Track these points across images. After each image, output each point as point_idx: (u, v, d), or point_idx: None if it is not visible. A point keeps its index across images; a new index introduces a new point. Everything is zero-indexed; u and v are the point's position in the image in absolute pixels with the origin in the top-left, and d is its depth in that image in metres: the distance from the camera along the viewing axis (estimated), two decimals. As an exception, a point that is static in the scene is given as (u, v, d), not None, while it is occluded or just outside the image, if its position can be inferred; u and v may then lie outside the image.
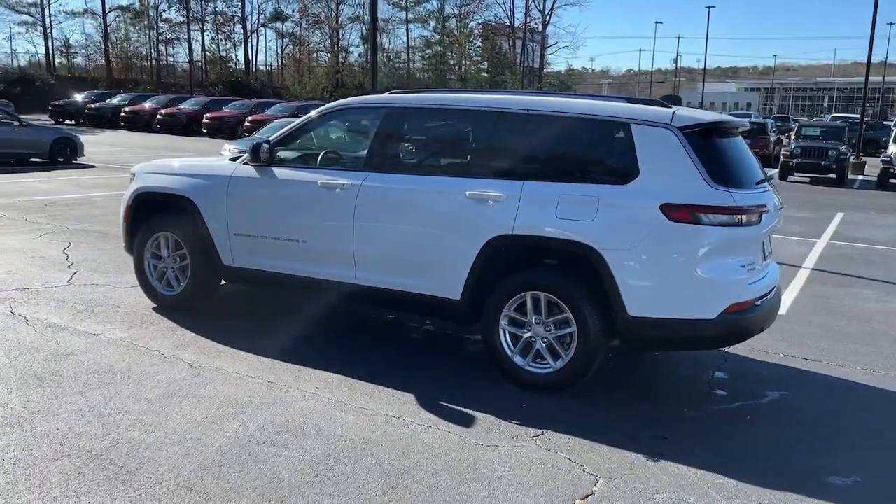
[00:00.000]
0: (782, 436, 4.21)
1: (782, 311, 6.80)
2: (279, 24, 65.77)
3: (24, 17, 57.26)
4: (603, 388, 4.74)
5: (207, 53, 62.93)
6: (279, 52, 70.06)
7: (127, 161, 18.28)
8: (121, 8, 59.58)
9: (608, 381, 4.88)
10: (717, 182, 4.22)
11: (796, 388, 5.02)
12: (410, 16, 68.93)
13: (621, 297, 4.28)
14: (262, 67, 66.51)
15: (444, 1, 67.69)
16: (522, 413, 4.26)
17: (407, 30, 69.32)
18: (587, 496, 3.36)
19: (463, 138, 5.20)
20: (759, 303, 4.49)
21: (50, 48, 58.45)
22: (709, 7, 62.87)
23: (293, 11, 65.22)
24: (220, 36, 63.52)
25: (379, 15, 79.60)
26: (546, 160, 4.74)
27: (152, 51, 61.48)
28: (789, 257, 9.68)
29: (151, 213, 6.00)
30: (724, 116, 5.00)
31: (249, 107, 33.95)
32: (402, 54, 71.22)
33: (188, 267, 5.83)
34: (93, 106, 37.15)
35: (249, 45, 64.41)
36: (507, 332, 4.65)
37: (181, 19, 60.77)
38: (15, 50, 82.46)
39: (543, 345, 4.57)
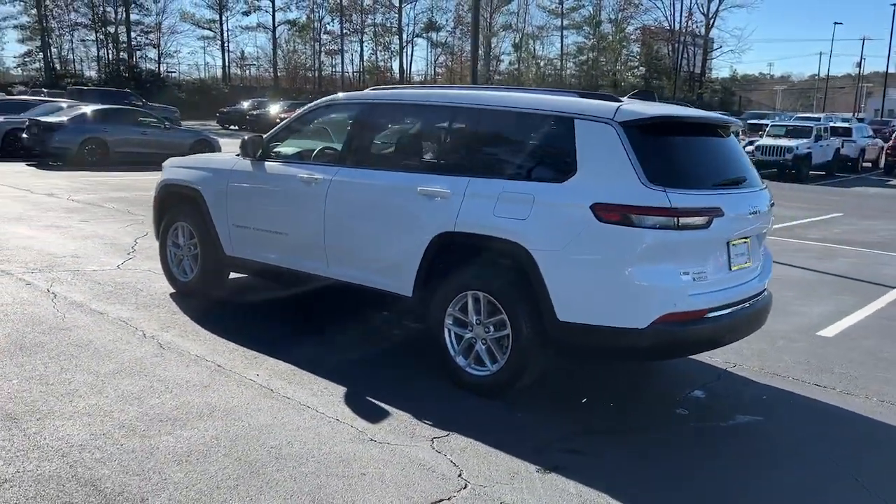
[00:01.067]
0: (710, 464, 3.80)
1: (830, 332, 6.16)
2: (433, 34, 67.58)
3: (206, 32, 62.84)
4: (554, 396, 4.52)
5: (366, 64, 65.96)
6: (432, 61, 71.92)
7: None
8: (289, 22, 63.90)
9: (568, 389, 4.65)
10: (654, 181, 3.89)
11: (774, 415, 4.50)
12: (565, 22, 68.42)
13: (550, 300, 4.05)
14: (416, 77, 68.56)
15: (601, 6, 66.60)
16: (443, 414, 4.14)
17: (561, 36, 68.82)
18: (440, 501, 3.22)
19: (418, 134, 5.15)
20: (714, 314, 4.08)
21: (226, 60, 63.77)
22: (894, 5, 57.03)
23: (446, 21, 66.87)
24: (378, 47, 66.38)
25: (533, 22, 79.34)
26: (491, 156, 4.60)
27: (316, 61, 65.23)
28: (882, 276, 8.66)
29: (172, 204, 6.42)
30: (684, 111, 4.60)
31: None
32: (556, 61, 70.77)
33: (198, 255, 6.18)
34: (253, 112, 40.06)
35: (405, 55, 66.72)
36: (452, 332, 4.54)
37: (345, 32, 64.24)
38: (196, 62, 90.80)
39: (483, 347, 4.41)
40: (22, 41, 58.26)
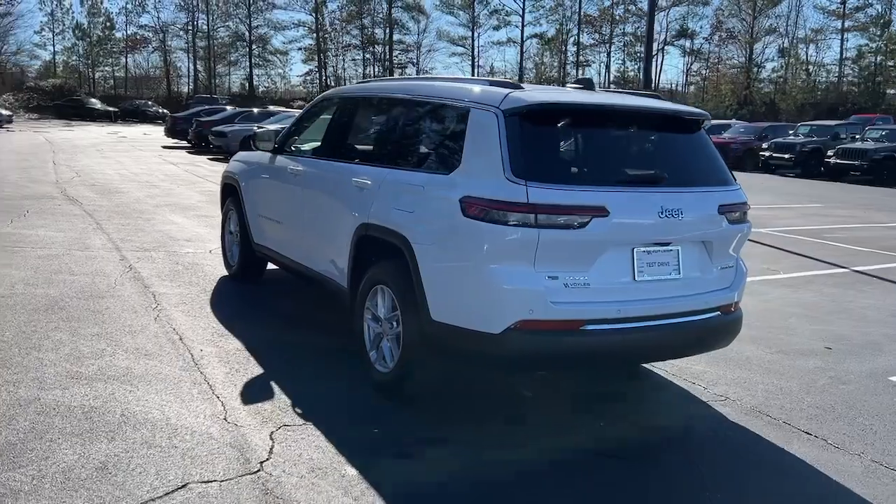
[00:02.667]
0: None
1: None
2: (685, 42, 64.43)
3: (458, 49, 66.25)
4: (465, 401, 4.25)
5: (614, 74, 64.87)
6: (684, 69, 68.56)
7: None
8: (537, 35, 65.10)
9: (491, 400, 4.34)
10: (521, 175, 3.47)
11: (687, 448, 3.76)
12: (847, 24, 61.14)
13: (426, 297, 3.81)
14: (666, 86, 65.86)
15: (892, 5, 58.52)
16: (327, 408, 4.09)
17: (842, 39, 61.63)
18: (212, 481, 3.21)
19: (358, 126, 5.12)
20: (597, 327, 3.55)
21: (475, 75, 66.60)
22: None
23: (700, 28, 63.34)
24: (626, 56, 64.95)
25: (808, 25, 71.80)
26: (403, 146, 4.43)
27: (561, 73, 65.57)
28: None
29: (227, 194, 7.02)
30: (582, 98, 3.96)
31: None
32: (832, 67, 63.55)
33: (239, 242, 6.70)
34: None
35: (654, 64, 64.36)
36: (369, 326, 4.45)
37: (592, 42, 63.84)
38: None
39: (387, 344, 4.27)
40: (305, 61, 66.20)
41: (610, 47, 64.27)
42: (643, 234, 3.68)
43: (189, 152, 24.94)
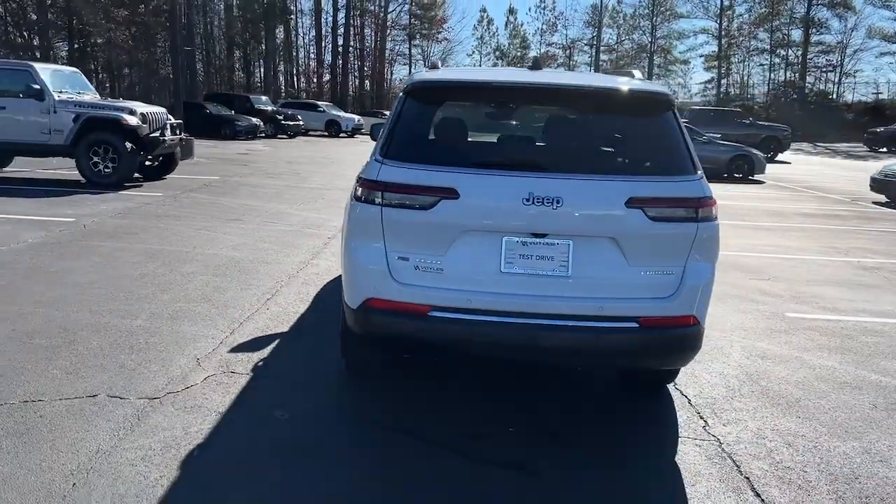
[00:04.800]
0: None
1: None
2: None
3: (892, 47, 56.88)
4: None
5: None
6: None
7: (813, 183, 18.40)
8: None
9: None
10: (386, 153, 3.47)
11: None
12: None
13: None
14: None
15: None
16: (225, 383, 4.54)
17: None
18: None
19: None
20: (447, 315, 3.36)
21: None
22: None
23: None
24: None
25: None
26: None
27: None
28: None
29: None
30: (478, 76, 3.53)
31: None
32: None
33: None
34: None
35: None
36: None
37: None
38: (877, 80, 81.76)
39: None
40: (706, 69, 63.87)
41: None
42: (510, 223, 3.32)
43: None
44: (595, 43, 65.76)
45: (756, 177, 19.71)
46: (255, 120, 30.03)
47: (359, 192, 3.50)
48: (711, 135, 21.46)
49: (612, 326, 3.36)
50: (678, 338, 3.44)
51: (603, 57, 67.20)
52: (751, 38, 60.31)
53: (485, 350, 3.48)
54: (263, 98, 35.45)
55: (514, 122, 3.67)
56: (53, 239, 7.74)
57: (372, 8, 60.35)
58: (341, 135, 36.31)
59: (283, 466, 3.26)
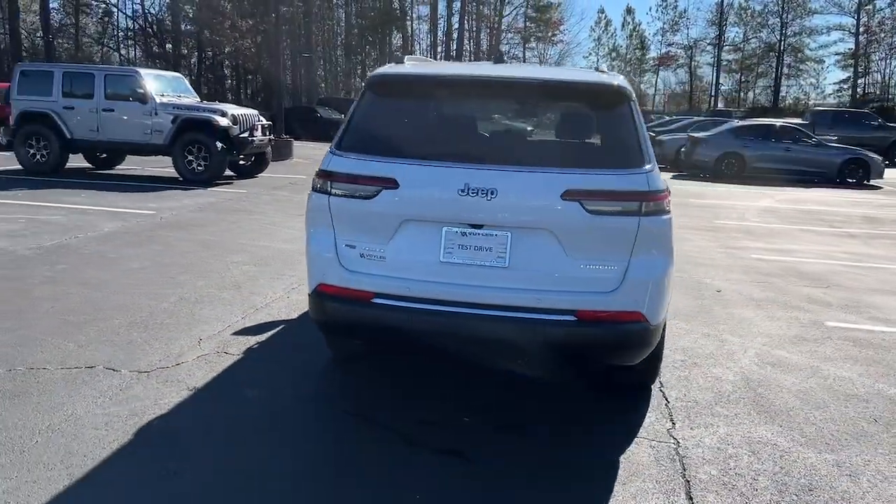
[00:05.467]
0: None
1: None
2: None
3: None
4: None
5: None
6: None
7: None
8: None
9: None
10: (339, 144, 3.60)
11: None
12: None
13: None
14: None
15: None
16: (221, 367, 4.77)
17: None
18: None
19: None
20: (389, 302, 3.45)
21: None
22: None
23: None
24: None
25: None
26: None
27: None
28: None
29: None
30: (432, 70, 3.52)
31: None
32: None
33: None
34: None
35: None
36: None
37: None
38: None
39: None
40: (843, 67, 59.87)
41: None
42: (448, 213, 3.35)
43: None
44: (718, 42, 63.18)
45: (873, 181, 18.38)
46: None
47: (313, 182, 3.65)
48: (825, 137, 20.23)
49: (549, 319, 3.33)
50: (621, 334, 3.37)
51: (727, 56, 64.46)
52: (894, 34, 55.97)
53: (425, 339, 3.53)
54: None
55: (466, 115, 3.71)
56: (127, 229, 8.40)
57: (487, 12, 60.72)
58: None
59: (229, 440, 3.45)
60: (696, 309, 6.00)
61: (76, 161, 14.69)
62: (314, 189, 3.64)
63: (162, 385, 4.00)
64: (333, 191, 3.52)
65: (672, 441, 3.61)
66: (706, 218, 11.47)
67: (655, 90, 69.62)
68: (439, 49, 58.79)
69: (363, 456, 3.37)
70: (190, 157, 12.95)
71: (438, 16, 58.24)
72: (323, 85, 51.17)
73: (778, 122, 19.59)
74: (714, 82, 64.20)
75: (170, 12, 41.19)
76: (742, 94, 65.96)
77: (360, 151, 3.53)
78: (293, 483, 3.11)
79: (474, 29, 61.16)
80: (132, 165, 15.53)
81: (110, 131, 13.20)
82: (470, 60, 60.82)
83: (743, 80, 66.18)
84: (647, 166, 3.37)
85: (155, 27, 42.59)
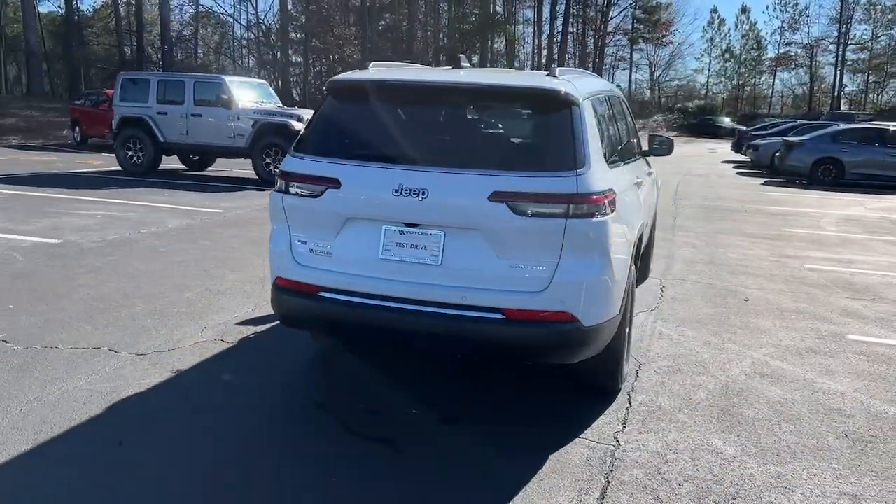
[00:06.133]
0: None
1: None
2: None
3: None
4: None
5: None
6: None
7: None
8: None
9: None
10: (297, 147, 3.83)
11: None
12: None
13: None
14: None
15: None
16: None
17: None
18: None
19: None
20: (333, 296, 3.64)
21: None
22: None
23: None
24: None
25: None
26: None
27: None
28: None
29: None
30: (384, 76, 3.63)
31: None
32: None
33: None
34: None
35: None
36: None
37: None
38: None
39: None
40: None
41: None
42: (385, 212, 3.50)
43: (738, 167, 24.67)
44: (842, 41, 59.55)
45: None
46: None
47: (277, 182, 3.89)
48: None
49: (477, 316, 3.41)
50: (550, 333, 3.40)
51: (853, 56, 60.67)
52: None
53: (365, 333, 3.70)
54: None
55: (408, 119, 3.84)
56: (190, 226, 9.01)
57: (592, 14, 59.90)
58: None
59: (184, 417, 3.74)
60: (712, 317, 5.85)
61: (171, 162, 15.78)
62: (274, 188, 3.88)
63: (150, 367, 4.36)
64: (288, 189, 3.75)
65: (613, 443, 3.60)
66: (775, 226, 10.99)
67: (772, 92, 66.43)
68: (543, 52, 58.57)
69: (303, 436, 3.58)
70: (268, 160, 13.65)
71: (543, 19, 58.06)
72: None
73: (892, 125, 18.29)
74: (836, 83, 60.56)
75: (280, 22, 43.19)
76: (872, 95, 61.85)
77: (312, 153, 3.74)
78: (228, 457, 3.35)
79: (579, 31, 60.49)
80: (222, 167, 16.49)
81: (198, 135, 14.10)
82: (574, 64, 60.22)
83: (872, 80, 62.04)
84: (581, 169, 3.38)
85: (267, 37, 44.79)
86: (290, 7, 42.87)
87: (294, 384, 4.30)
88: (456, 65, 4.08)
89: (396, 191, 3.44)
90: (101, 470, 3.21)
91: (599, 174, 3.49)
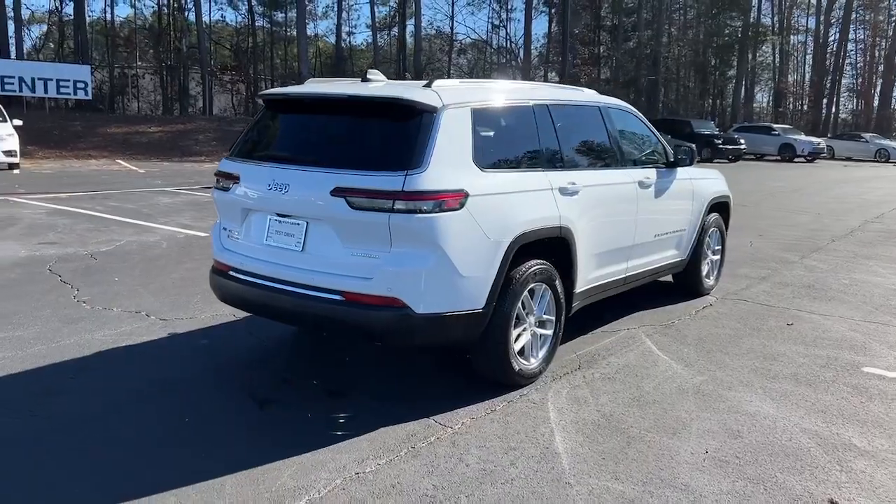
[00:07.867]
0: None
1: None
2: None
3: None
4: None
5: None
6: None
7: None
8: None
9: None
10: (230, 150, 4.55)
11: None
12: None
13: None
14: None
15: None
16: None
17: None
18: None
19: None
20: (239, 276, 4.30)
21: None
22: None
23: None
24: None
25: None
26: None
27: None
28: None
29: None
30: (289, 90, 4.20)
31: None
32: None
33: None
34: None
35: None
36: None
37: None
38: None
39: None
40: None
41: None
42: (265, 204, 4.08)
43: None
44: None
45: None
46: (687, 145, 30.17)
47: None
48: None
49: (324, 297, 3.84)
50: (380, 317, 3.72)
51: None
52: None
53: (252, 308, 4.35)
54: (709, 122, 35.36)
55: (293, 125, 4.40)
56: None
57: (880, 19, 53.29)
58: (797, 159, 33.95)
59: (143, 369, 4.56)
60: (729, 336, 5.49)
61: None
62: (213, 187, 4.67)
63: (157, 328, 5.35)
64: (216, 185, 4.52)
65: (451, 430, 3.77)
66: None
67: None
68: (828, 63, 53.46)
69: (206, 402, 4.16)
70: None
71: (819, 27, 52.99)
72: (672, 105, 50.38)
73: None
74: None
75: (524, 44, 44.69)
76: None
77: (233, 154, 4.48)
78: (148, 412, 3.97)
79: (862, 38, 54.18)
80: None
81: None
82: (855, 76, 54.01)
83: None
84: (415, 170, 3.67)
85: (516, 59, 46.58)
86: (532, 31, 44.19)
87: (260, 358, 4.92)
88: (364, 79, 4.53)
89: (269, 186, 4.04)
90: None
91: (447, 176, 3.74)
